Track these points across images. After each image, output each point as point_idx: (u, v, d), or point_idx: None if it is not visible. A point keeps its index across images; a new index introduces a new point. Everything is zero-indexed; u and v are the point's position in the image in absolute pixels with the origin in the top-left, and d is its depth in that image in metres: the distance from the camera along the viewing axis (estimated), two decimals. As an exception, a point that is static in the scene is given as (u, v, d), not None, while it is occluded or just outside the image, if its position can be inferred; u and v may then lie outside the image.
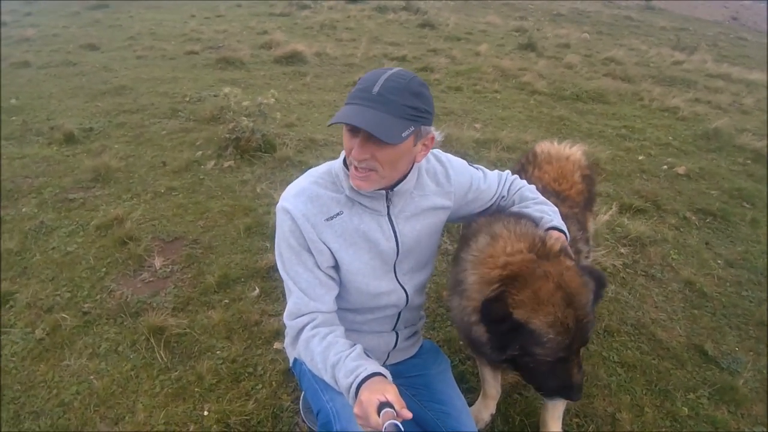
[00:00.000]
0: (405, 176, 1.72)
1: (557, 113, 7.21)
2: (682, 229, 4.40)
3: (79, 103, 6.89)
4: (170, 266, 3.57)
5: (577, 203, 2.48)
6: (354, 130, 1.55)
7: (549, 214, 1.93)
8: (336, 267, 1.77)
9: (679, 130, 6.90)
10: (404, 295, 1.90)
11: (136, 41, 10.48)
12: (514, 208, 1.98)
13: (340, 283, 1.81)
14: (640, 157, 5.85)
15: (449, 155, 1.96)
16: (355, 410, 1.45)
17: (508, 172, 2.10)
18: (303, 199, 1.70)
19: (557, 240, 1.79)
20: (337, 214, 1.71)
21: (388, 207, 1.76)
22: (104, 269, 3.54)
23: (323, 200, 1.71)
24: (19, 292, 3.32)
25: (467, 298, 1.75)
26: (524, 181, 2.09)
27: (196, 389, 2.61)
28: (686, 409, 2.66)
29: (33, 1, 15.32)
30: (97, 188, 4.62)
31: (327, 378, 1.64)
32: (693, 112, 7.58)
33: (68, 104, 6.84)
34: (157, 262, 3.56)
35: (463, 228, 2.25)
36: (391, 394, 1.43)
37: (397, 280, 1.87)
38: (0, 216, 4.14)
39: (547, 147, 2.76)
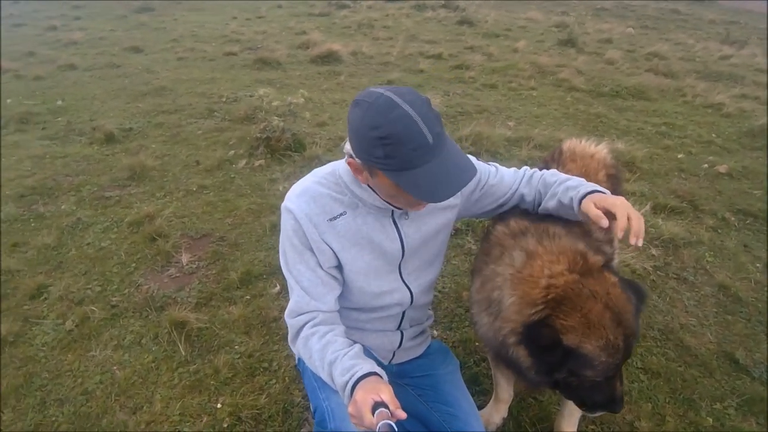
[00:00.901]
0: None
1: (594, 110, 7.06)
2: (719, 231, 4.23)
3: (121, 104, 7.13)
4: (196, 262, 3.66)
5: (601, 204, 2.41)
6: None
7: (576, 183, 1.83)
8: (339, 267, 1.77)
9: (722, 127, 6.65)
10: (408, 294, 1.89)
11: (178, 43, 10.76)
12: (545, 203, 1.89)
13: (344, 283, 1.81)
14: (680, 156, 5.67)
15: None
16: (350, 409, 1.45)
17: (526, 167, 2.02)
18: (306, 198, 1.70)
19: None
20: (341, 215, 1.70)
21: (392, 209, 1.74)
22: (134, 264, 3.65)
23: (326, 200, 1.70)
24: (53, 285, 3.46)
25: (503, 319, 1.68)
26: (543, 171, 2.00)
27: (212, 382, 2.67)
28: (711, 419, 2.55)
29: (81, 6, 15.83)
30: (132, 186, 4.77)
31: (324, 376, 1.65)
32: (739, 108, 7.29)
33: (110, 105, 7.08)
34: (184, 258, 3.66)
35: (484, 239, 2.15)
36: (386, 394, 1.43)
37: (402, 279, 1.86)
38: (0, 215, 4.32)
39: (573, 144, 2.69)
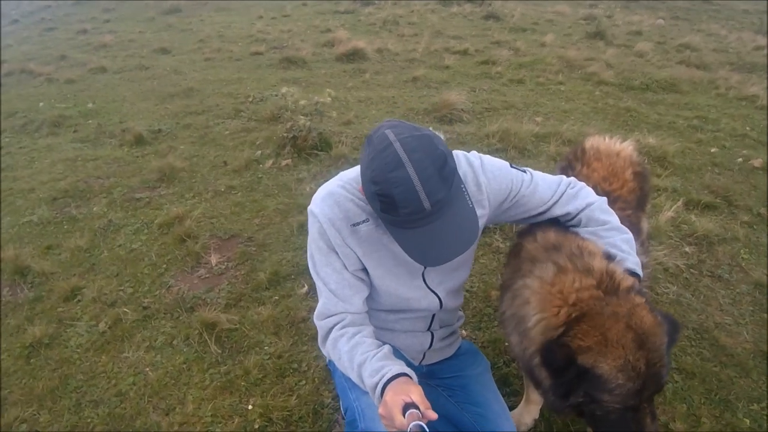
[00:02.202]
0: None
1: (624, 104, 6.93)
2: (755, 227, 4.11)
3: (150, 105, 7.23)
4: (225, 263, 3.69)
5: (629, 203, 2.33)
6: None
7: (623, 249, 1.75)
8: (365, 270, 1.76)
9: (757, 120, 6.46)
10: (436, 299, 1.86)
11: (205, 44, 10.88)
12: (582, 232, 1.82)
13: (371, 285, 1.80)
14: (713, 150, 5.53)
15: (485, 157, 1.79)
16: (380, 410, 1.45)
17: (571, 179, 1.90)
18: (330, 203, 1.69)
19: (626, 276, 1.63)
20: (363, 221, 1.68)
21: None
22: (164, 266, 3.70)
23: (349, 206, 1.68)
24: (86, 287, 3.52)
25: (529, 339, 1.64)
26: (590, 191, 1.89)
27: (242, 383, 2.69)
28: (748, 420, 2.48)
29: (111, 9, 16.10)
30: (162, 188, 4.83)
31: (353, 377, 1.65)
32: (773, 100, 7.09)
33: (140, 107, 7.19)
34: (213, 259, 3.69)
35: (512, 250, 2.10)
36: (416, 394, 1.43)
37: (427, 286, 1.83)
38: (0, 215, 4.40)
39: (596, 142, 2.62)
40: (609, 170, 2.36)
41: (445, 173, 1.41)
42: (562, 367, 1.51)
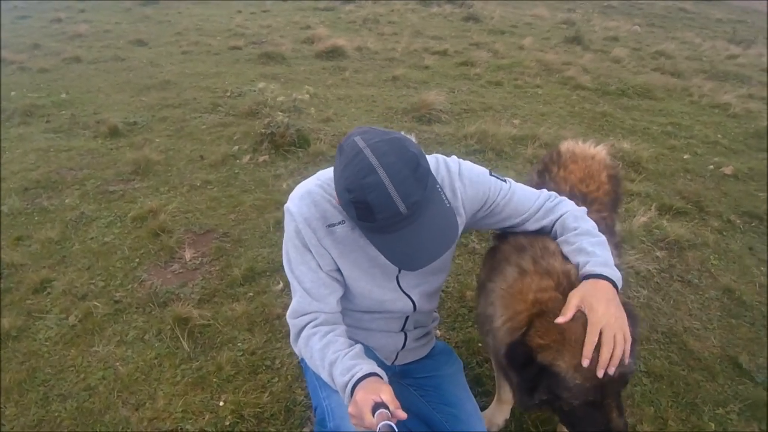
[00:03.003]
0: None
1: (600, 109, 7.03)
2: (724, 233, 4.21)
3: (126, 97, 7.12)
4: (200, 258, 3.65)
5: (605, 205, 2.38)
6: None
7: (588, 251, 1.69)
8: (339, 270, 1.76)
9: (729, 127, 6.62)
10: (410, 302, 1.86)
11: (182, 36, 10.74)
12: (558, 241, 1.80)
13: (345, 286, 1.79)
14: (685, 156, 5.64)
15: (465, 163, 1.78)
16: (350, 410, 1.45)
17: (553, 194, 1.88)
18: (307, 202, 1.68)
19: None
20: (339, 223, 1.68)
21: None
22: (137, 260, 3.65)
23: (326, 206, 1.68)
24: (57, 279, 3.46)
25: (497, 339, 1.69)
26: (571, 204, 1.87)
27: (214, 379, 2.67)
28: (713, 424, 2.54)
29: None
30: (136, 181, 4.76)
31: (324, 376, 1.65)
32: (745, 108, 7.25)
33: (115, 98, 7.07)
34: (188, 254, 3.65)
35: (489, 252, 2.14)
36: (386, 394, 1.43)
37: (401, 289, 1.83)
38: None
39: (571, 146, 2.67)
40: (585, 172, 2.41)
41: (419, 174, 1.40)
42: (524, 364, 1.55)
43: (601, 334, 1.48)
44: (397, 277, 1.81)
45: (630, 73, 8.81)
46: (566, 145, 2.63)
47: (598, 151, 2.59)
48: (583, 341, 1.48)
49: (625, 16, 15.41)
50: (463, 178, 1.74)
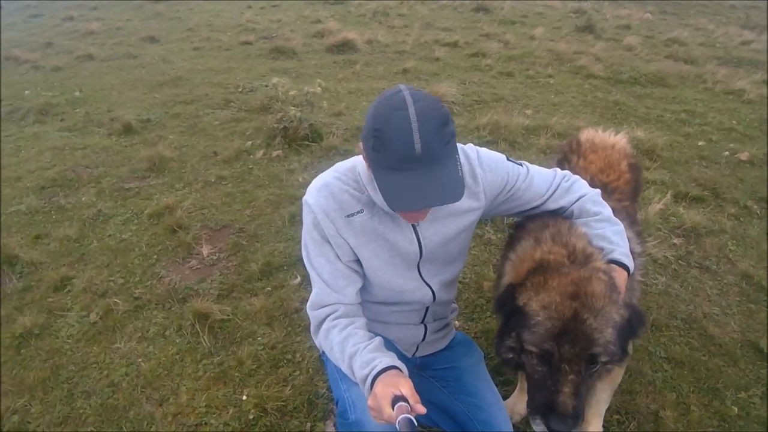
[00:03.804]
0: None
1: (613, 98, 6.98)
2: (742, 219, 4.18)
3: (138, 94, 7.16)
4: (217, 254, 3.67)
5: (625, 194, 2.37)
6: None
7: (611, 240, 1.77)
8: (358, 261, 1.77)
9: (744, 113, 6.56)
10: (430, 292, 1.87)
11: (193, 32, 10.76)
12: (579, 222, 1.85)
13: (364, 277, 1.81)
14: (700, 143, 5.59)
15: (482, 150, 1.82)
16: (369, 402, 1.46)
17: (566, 173, 1.93)
18: (325, 194, 1.70)
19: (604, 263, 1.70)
20: (358, 212, 1.69)
21: None
22: (155, 256, 3.68)
23: (344, 197, 1.69)
24: (77, 277, 3.49)
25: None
26: (584, 183, 1.93)
27: (236, 374, 2.69)
28: (736, 408, 2.54)
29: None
30: (151, 178, 4.79)
31: (344, 368, 1.66)
32: (760, 94, 7.18)
33: (128, 96, 7.11)
34: (205, 249, 3.67)
35: (512, 228, 2.17)
36: (406, 388, 1.44)
37: (422, 278, 1.84)
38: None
39: (591, 135, 2.67)
40: (605, 162, 2.40)
41: (445, 131, 1.44)
42: (503, 302, 1.62)
43: None
44: (418, 266, 1.82)
45: (643, 61, 8.74)
46: (585, 135, 2.63)
47: (618, 140, 2.58)
48: (561, 290, 1.54)
49: (636, 4, 15.25)
50: (483, 164, 1.77)
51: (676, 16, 14.04)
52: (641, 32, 11.09)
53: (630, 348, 2.02)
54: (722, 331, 3.02)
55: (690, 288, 3.38)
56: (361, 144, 1.57)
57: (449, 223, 1.78)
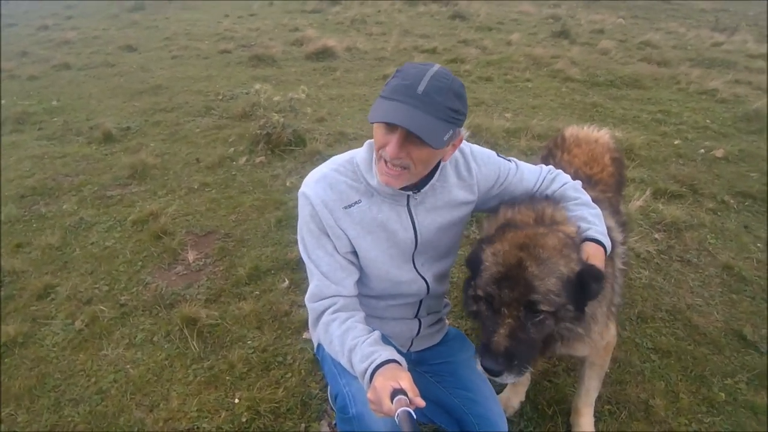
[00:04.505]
0: (431, 175, 1.72)
1: (590, 100, 7.09)
2: (719, 213, 4.28)
3: (118, 102, 7.10)
4: (203, 259, 3.65)
5: (609, 186, 2.43)
6: (391, 127, 1.53)
7: (588, 220, 1.84)
8: (355, 253, 1.79)
9: (717, 112, 6.70)
10: (424, 284, 1.90)
11: (171, 41, 10.70)
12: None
13: (361, 269, 1.82)
14: (677, 142, 5.70)
15: (474, 146, 1.90)
16: (369, 396, 1.47)
17: (550, 167, 2.02)
18: (323, 185, 1.72)
19: (574, 228, 1.78)
20: (356, 203, 1.72)
21: (407, 198, 1.75)
22: (140, 263, 3.64)
23: (342, 188, 1.72)
24: (60, 285, 3.44)
25: None
26: (567, 177, 2.00)
27: (227, 378, 2.67)
28: (723, 394, 2.60)
29: (73, 5, 15.72)
30: (134, 185, 4.75)
31: (344, 362, 1.67)
32: (732, 93, 7.33)
33: (107, 104, 7.05)
34: (191, 255, 3.65)
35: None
36: (405, 381, 1.45)
37: (416, 269, 1.87)
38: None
39: (575, 131, 2.73)
40: (589, 155, 2.46)
41: (450, 96, 1.52)
42: (471, 255, 1.72)
43: None
44: (412, 257, 1.85)
45: (618, 64, 8.89)
46: (570, 130, 2.69)
47: (601, 135, 2.63)
48: (511, 241, 1.65)
49: (609, 9, 15.50)
50: (476, 158, 1.86)
51: (647, 20, 14.30)
52: (615, 36, 11.28)
53: (613, 333, 2.08)
54: (706, 321, 3.10)
55: (673, 281, 3.45)
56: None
57: (444, 213, 1.83)
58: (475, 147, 1.89)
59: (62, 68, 8.87)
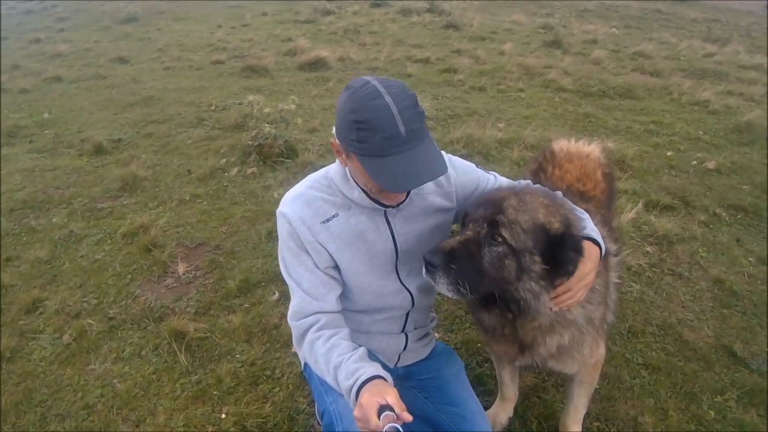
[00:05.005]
0: None
1: (583, 110, 7.11)
2: (711, 226, 4.27)
3: (109, 114, 7.08)
4: (193, 272, 3.64)
5: (601, 203, 2.42)
6: None
7: (581, 218, 1.82)
8: (336, 267, 1.78)
9: (709, 123, 6.72)
10: (409, 295, 1.89)
11: (164, 53, 10.68)
12: None
13: (343, 284, 1.82)
14: (669, 153, 5.72)
15: (453, 156, 1.91)
16: (356, 413, 1.45)
17: (528, 182, 2.01)
18: (300, 203, 1.73)
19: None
20: (334, 216, 1.73)
21: (385, 208, 1.75)
22: (130, 276, 3.62)
23: (319, 203, 1.73)
24: (49, 299, 3.42)
25: None
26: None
27: (215, 392, 2.65)
28: (713, 412, 2.58)
29: (65, 18, 15.73)
30: (124, 197, 4.73)
31: (329, 380, 1.65)
32: (724, 105, 7.36)
33: (98, 116, 7.03)
34: (181, 267, 3.63)
35: None
36: (392, 397, 1.44)
37: (401, 281, 1.86)
38: None
39: (565, 145, 2.70)
40: (581, 171, 2.44)
41: (419, 109, 1.53)
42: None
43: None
44: (396, 268, 1.84)
45: (610, 74, 8.92)
46: (559, 145, 2.66)
47: (592, 149, 2.61)
48: (512, 190, 1.73)
49: (601, 19, 15.57)
50: (455, 166, 1.87)
51: (640, 30, 14.37)
52: (607, 46, 11.34)
53: (602, 351, 2.06)
54: (697, 336, 3.08)
55: (664, 294, 3.44)
56: (336, 140, 1.60)
57: (422, 221, 1.83)
58: (454, 157, 1.91)
59: (54, 81, 8.84)
